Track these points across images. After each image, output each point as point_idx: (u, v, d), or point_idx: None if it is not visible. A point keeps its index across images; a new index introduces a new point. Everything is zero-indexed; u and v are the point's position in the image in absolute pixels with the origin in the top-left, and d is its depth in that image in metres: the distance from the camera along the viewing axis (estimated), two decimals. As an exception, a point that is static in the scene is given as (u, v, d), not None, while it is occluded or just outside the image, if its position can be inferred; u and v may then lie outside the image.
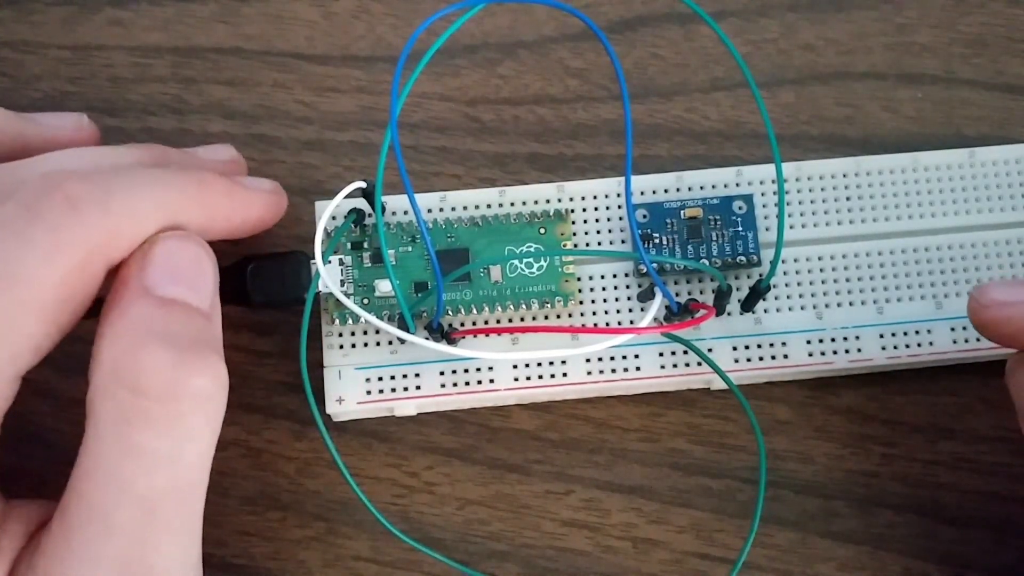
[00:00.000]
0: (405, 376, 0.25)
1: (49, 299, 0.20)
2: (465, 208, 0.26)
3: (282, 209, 0.25)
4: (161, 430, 0.20)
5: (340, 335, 0.25)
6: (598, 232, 0.26)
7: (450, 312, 0.25)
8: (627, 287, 0.25)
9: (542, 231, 0.25)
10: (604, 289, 0.25)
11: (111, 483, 0.19)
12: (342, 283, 0.25)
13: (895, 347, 0.25)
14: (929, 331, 0.25)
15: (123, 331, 0.20)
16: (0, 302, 0.19)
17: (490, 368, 0.25)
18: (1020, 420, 0.23)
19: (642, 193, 0.26)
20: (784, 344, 0.25)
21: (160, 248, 0.21)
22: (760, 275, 0.25)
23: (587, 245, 0.26)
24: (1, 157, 0.23)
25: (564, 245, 0.25)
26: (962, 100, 0.28)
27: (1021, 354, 0.23)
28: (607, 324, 0.25)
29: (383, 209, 0.25)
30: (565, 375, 0.25)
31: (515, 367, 0.25)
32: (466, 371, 0.25)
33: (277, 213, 0.25)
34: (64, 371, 0.24)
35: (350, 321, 0.25)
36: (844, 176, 0.26)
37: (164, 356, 0.20)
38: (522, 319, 0.25)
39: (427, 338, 0.24)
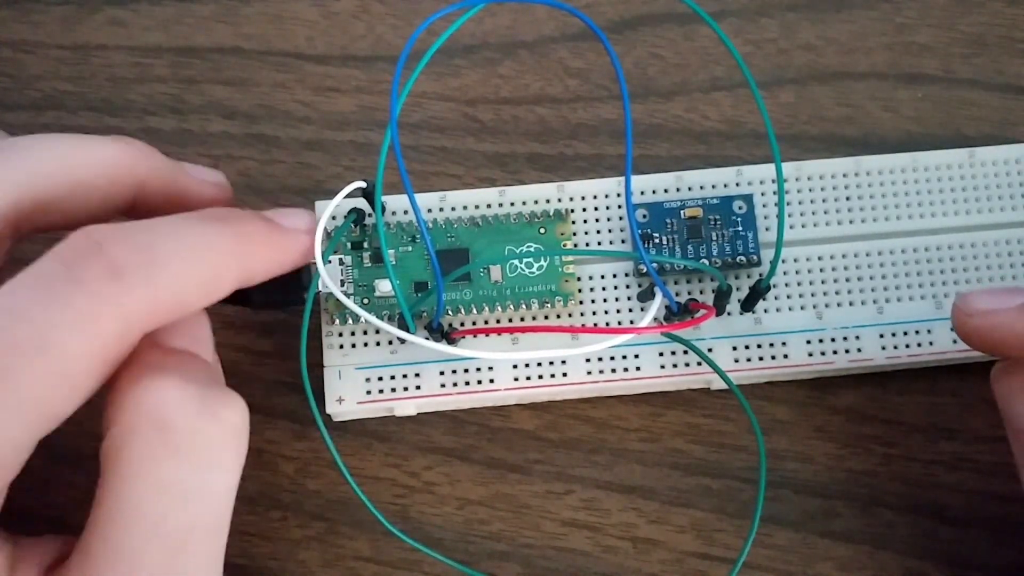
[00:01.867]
0: (405, 376, 0.25)
1: (80, 370, 0.19)
2: (465, 208, 0.26)
3: (313, 252, 0.23)
4: (191, 463, 0.19)
5: (340, 335, 0.25)
6: (598, 232, 0.26)
7: (450, 312, 0.25)
8: (627, 287, 0.25)
9: (542, 231, 0.25)
10: (604, 289, 0.25)
11: (140, 522, 0.19)
12: (342, 283, 0.25)
13: (895, 347, 0.25)
14: (929, 331, 0.25)
15: (141, 374, 0.19)
16: (27, 371, 0.18)
17: (490, 368, 0.25)
18: (1007, 427, 0.23)
19: (642, 193, 0.26)
20: (784, 344, 0.25)
21: None
22: (760, 275, 0.25)
23: (587, 245, 0.26)
24: (159, 203, 0.23)
25: (564, 245, 0.25)
26: (962, 100, 0.28)
27: (1006, 362, 0.23)
28: (607, 324, 0.25)
29: (383, 209, 0.25)
30: (565, 375, 0.25)
31: (515, 367, 0.25)
32: (466, 371, 0.25)
33: (310, 257, 0.23)
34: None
35: (350, 321, 0.25)
36: (844, 176, 0.26)
37: (190, 391, 0.19)
38: (522, 319, 0.25)
39: (427, 338, 0.24)
